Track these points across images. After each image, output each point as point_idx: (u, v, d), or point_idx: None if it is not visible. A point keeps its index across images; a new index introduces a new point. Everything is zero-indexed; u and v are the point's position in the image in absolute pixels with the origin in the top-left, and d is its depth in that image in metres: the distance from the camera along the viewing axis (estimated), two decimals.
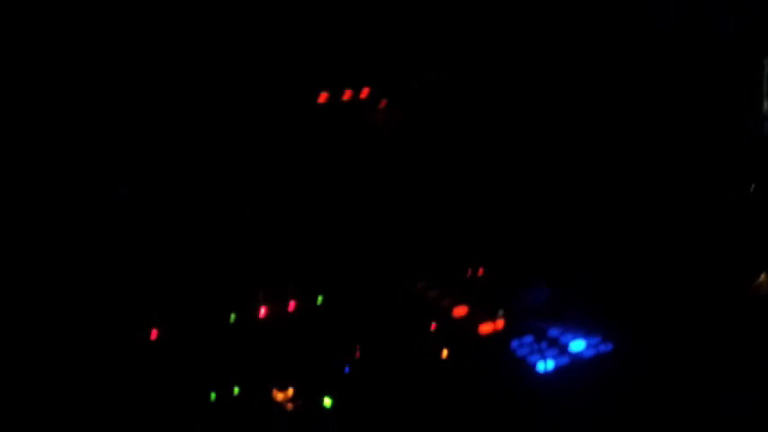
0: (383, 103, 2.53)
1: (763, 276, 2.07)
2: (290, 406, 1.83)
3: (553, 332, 2.06)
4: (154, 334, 1.95)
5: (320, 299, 2.12)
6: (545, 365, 1.93)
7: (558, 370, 1.94)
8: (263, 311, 2.06)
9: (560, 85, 2.43)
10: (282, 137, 2.31)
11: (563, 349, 2.00)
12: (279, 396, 1.84)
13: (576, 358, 1.98)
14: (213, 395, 1.83)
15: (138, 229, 2.09)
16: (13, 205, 1.92)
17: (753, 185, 2.28)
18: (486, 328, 2.07)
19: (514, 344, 2.01)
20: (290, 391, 1.85)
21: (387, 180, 2.35)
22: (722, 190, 2.25)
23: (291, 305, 2.09)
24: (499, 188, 2.33)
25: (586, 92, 2.41)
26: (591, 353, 1.99)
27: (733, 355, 1.97)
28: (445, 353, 1.99)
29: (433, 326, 2.07)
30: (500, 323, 2.07)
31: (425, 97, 2.53)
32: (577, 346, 2.01)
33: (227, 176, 2.20)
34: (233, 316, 2.03)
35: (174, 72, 2.11)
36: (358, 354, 1.97)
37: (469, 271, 2.27)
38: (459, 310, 2.11)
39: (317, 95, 2.45)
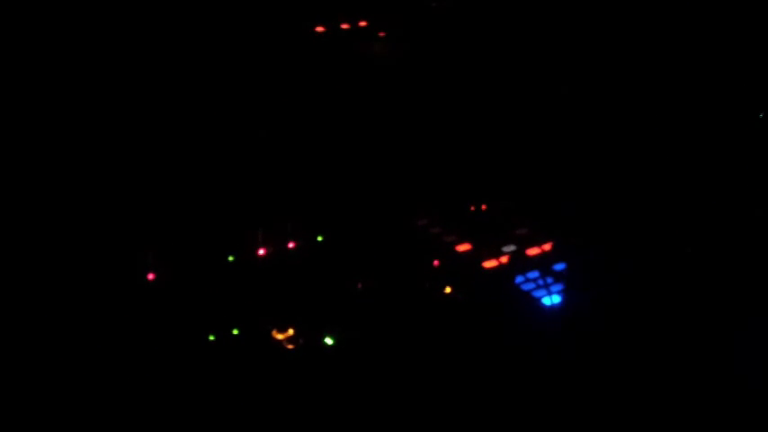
0: (382, 33, 2.47)
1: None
2: (290, 346, 1.79)
3: (559, 266, 2.01)
4: (150, 276, 1.92)
5: (320, 238, 2.08)
6: (551, 299, 1.89)
7: (564, 303, 1.90)
8: (261, 252, 2.02)
9: (569, 17, 2.35)
10: (279, 70, 2.26)
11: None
12: (279, 337, 1.80)
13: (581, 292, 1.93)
14: (212, 336, 1.80)
15: (131, 169, 2.05)
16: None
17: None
18: (490, 263, 2.02)
19: (519, 279, 1.96)
20: (291, 332, 1.81)
21: (388, 113, 2.30)
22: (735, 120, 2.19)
23: (291, 245, 2.05)
24: (501, 121, 2.27)
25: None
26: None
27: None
28: (448, 289, 1.94)
29: (436, 262, 2.02)
30: (504, 259, 2.02)
31: (426, 27, 2.46)
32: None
33: (223, 111, 2.15)
34: (231, 257, 2.00)
35: None
36: (360, 292, 1.93)
37: (472, 207, 2.22)
38: (463, 246, 2.07)
39: (313, 26, 2.39)
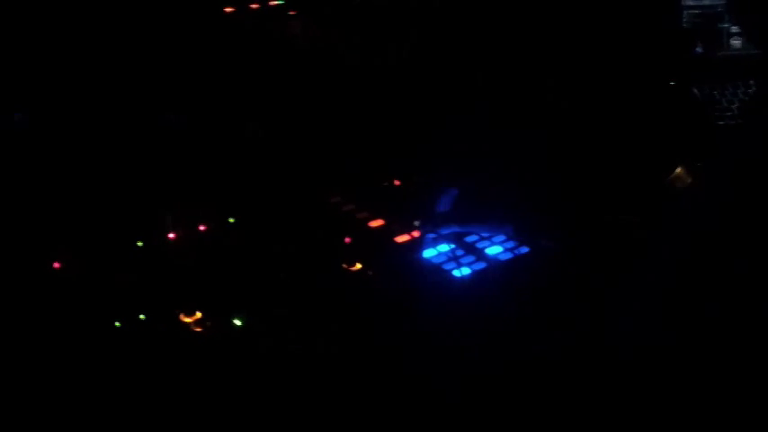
0: (293, 12, 2.45)
1: (679, 170, 2.03)
2: (198, 329, 1.77)
3: (470, 239, 2.01)
4: (56, 265, 1.88)
5: (231, 220, 2.06)
6: (461, 272, 1.89)
7: (474, 275, 1.90)
8: (171, 236, 2.00)
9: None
10: (189, 49, 2.23)
11: (480, 255, 1.96)
12: (186, 320, 1.78)
13: (493, 262, 1.94)
14: (117, 323, 1.77)
15: (34, 156, 2.01)
16: None
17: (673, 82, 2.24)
18: (402, 238, 2.02)
19: (430, 252, 1.96)
20: (198, 315, 1.79)
21: (297, 91, 2.28)
22: (636, 83, 2.21)
23: (201, 228, 2.03)
24: (411, 95, 2.27)
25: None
26: (507, 256, 1.95)
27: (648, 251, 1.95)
28: (360, 265, 1.93)
29: (348, 239, 2.01)
30: (416, 233, 2.02)
31: (338, 7, 2.45)
32: (494, 250, 1.97)
33: (129, 94, 2.12)
34: (140, 243, 1.97)
35: None
36: (270, 272, 1.91)
37: (385, 182, 2.22)
38: (375, 222, 2.07)
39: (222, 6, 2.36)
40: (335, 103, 2.26)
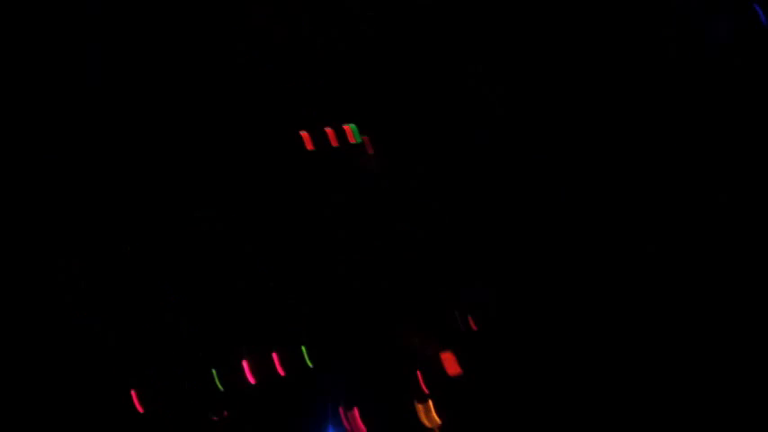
0: (370, 149, 2.50)
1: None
2: None
3: None
4: (135, 400, 1.91)
5: (303, 348, 2.07)
6: None
7: None
8: (245, 365, 2.01)
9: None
10: (269, 188, 2.28)
11: None
12: None
13: None
14: None
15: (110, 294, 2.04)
16: None
17: None
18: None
19: None
20: None
21: (375, 227, 2.30)
22: None
23: (274, 358, 2.04)
24: (482, 235, 2.28)
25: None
26: None
27: None
28: (432, 402, 1.92)
29: (420, 374, 2.00)
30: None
31: (415, 144, 2.49)
32: None
33: (205, 226, 2.16)
34: (214, 372, 1.98)
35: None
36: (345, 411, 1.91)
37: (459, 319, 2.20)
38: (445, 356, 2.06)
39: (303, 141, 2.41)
40: (404, 238, 2.28)
